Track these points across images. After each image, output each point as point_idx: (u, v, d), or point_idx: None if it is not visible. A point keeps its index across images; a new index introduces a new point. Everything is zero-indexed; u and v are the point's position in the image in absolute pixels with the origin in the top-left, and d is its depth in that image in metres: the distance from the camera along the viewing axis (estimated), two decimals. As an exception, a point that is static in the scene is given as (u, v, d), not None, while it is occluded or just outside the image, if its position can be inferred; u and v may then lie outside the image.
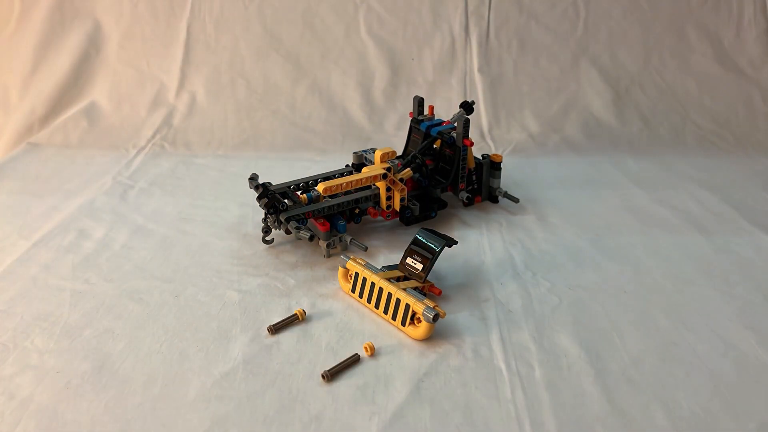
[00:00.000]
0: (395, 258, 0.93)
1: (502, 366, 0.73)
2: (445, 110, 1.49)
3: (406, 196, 1.03)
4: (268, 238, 0.99)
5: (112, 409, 0.66)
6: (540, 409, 0.67)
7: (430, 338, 0.77)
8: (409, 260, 0.85)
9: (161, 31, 1.60)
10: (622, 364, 0.73)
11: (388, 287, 0.79)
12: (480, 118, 1.53)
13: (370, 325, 0.80)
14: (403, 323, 0.77)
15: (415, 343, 0.76)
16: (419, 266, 0.83)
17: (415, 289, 0.82)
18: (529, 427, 0.64)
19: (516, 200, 1.12)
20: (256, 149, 1.43)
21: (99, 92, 1.55)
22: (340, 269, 0.86)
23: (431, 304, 0.75)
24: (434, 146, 1.12)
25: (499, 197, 1.14)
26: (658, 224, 1.08)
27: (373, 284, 0.81)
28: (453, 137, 1.07)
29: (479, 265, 0.94)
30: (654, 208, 1.14)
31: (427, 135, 1.11)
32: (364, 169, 1.01)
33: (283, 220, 0.93)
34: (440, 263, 0.92)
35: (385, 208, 1.02)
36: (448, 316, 0.81)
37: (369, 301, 0.82)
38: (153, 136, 1.46)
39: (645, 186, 1.24)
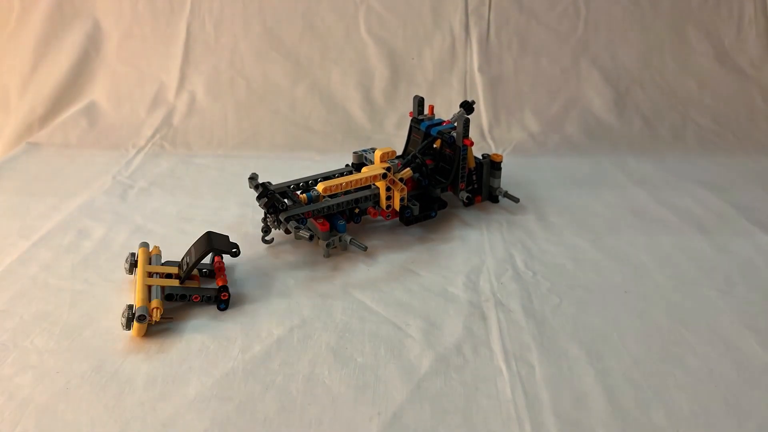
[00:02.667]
0: (395, 258, 0.93)
1: (502, 366, 0.73)
2: (445, 110, 1.49)
3: (406, 196, 1.03)
4: (267, 238, 0.99)
5: (112, 409, 0.66)
6: (540, 409, 0.67)
7: (430, 338, 0.77)
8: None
9: (161, 30, 1.59)
10: (622, 364, 0.73)
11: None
12: (480, 118, 1.53)
13: (370, 325, 0.80)
14: None
15: (415, 343, 0.76)
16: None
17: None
18: (529, 427, 0.64)
19: (516, 200, 1.12)
20: (256, 149, 1.43)
21: (99, 92, 1.55)
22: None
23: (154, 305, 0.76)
24: (434, 146, 1.12)
25: (500, 197, 1.14)
26: (659, 224, 1.08)
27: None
28: (453, 137, 1.07)
29: (479, 264, 0.94)
30: (654, 208, 1.14)
31: (427, 134, 1.11)
32: (364, 169, 1.01)
33: (282, 220, 0.93)
34: (441, 263, 0.92)
35: (385, 208, 1.02)
36: (449, 316, 0.81)
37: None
38: (153, 136, 1.46)
39: (645, 186, 1.23)
